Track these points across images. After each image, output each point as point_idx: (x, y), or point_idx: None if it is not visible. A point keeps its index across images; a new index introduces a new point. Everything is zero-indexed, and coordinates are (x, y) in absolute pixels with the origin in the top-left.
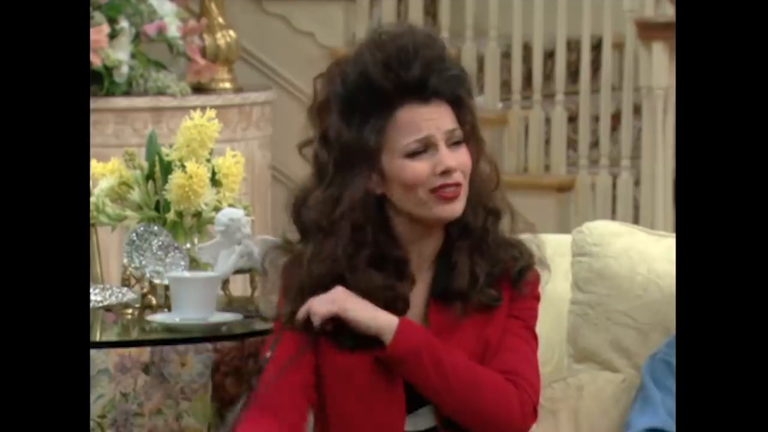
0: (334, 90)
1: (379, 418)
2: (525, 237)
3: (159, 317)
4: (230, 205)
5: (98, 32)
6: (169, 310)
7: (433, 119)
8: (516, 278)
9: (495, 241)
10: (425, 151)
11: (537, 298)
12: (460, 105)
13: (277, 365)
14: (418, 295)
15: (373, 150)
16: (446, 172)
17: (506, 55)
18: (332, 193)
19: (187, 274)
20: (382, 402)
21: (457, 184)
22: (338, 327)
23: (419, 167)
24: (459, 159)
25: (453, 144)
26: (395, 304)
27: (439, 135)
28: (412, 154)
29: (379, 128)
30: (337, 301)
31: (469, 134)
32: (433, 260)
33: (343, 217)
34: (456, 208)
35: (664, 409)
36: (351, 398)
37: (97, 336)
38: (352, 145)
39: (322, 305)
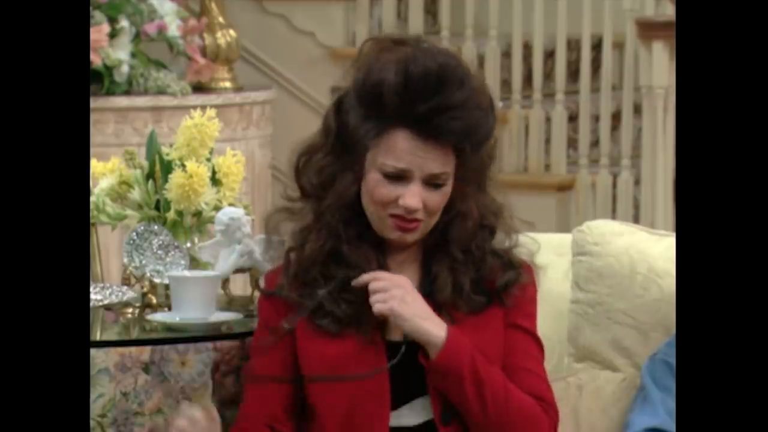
0: (358, 74)
1: (365, 410)
2: (521, 239)
3: (159, 316)
4: (230, 205)
5: (98, 31)
6: (170, 309)
7: (422, 158)
8: (501, 289)
9: (480, 249)
10: (399, 178)
11: (534, 300)
12: (462, 152)
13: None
14: None
15: (364, 146)
16: (408, 210)
17: (506, 55)
18: (328, 162)
19: (187, 273)
20: (367, 394)
21: (417, 220)
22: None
23: (386, 190)
24: (430, 200)
25: (433, 185)
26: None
27: (418, 174)
28: (386, 175)
29: (376, 132)
30: (391, 301)
31: (466, 176)
32: (417, 261)
33: (329, 206)
34: (408, 239)
35: (663, 409)
36: (335, 389)
37: (97, 335)
38: (351, 130)
39: (377, 303)
